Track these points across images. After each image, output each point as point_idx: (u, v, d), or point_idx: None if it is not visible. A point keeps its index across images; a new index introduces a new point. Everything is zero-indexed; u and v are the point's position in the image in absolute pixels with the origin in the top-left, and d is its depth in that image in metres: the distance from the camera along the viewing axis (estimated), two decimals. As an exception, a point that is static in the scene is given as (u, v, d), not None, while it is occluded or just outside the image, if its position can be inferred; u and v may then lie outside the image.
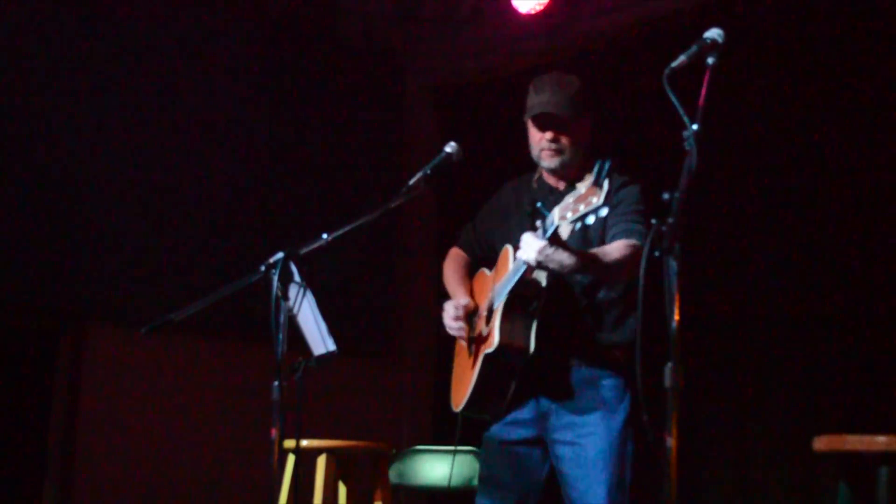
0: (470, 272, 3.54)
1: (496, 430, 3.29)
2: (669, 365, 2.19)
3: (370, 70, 6.54)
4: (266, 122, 6.04)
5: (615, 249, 3.05)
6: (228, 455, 5.58)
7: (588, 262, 2.97)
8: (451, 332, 3.34)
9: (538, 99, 3.24)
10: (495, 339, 3.06)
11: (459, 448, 4.34)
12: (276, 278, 3.02)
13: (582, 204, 2.64)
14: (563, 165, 3.25)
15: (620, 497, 3.07)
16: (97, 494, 5.28)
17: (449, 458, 4.37)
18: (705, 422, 5.03)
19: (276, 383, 2.96)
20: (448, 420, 3.48)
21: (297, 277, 3.07)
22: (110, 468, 5.33)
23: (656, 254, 2.27)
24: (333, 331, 3.27)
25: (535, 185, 3.39)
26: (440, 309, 3.39)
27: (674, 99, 2.30)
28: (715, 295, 5.03)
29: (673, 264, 2.24)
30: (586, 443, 3.11)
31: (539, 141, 3.26)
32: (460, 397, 3.32)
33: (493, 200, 3.54)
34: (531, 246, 2.87)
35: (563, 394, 3.15)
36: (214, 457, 5.60)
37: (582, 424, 3.12)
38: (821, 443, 2.97)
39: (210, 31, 5.84)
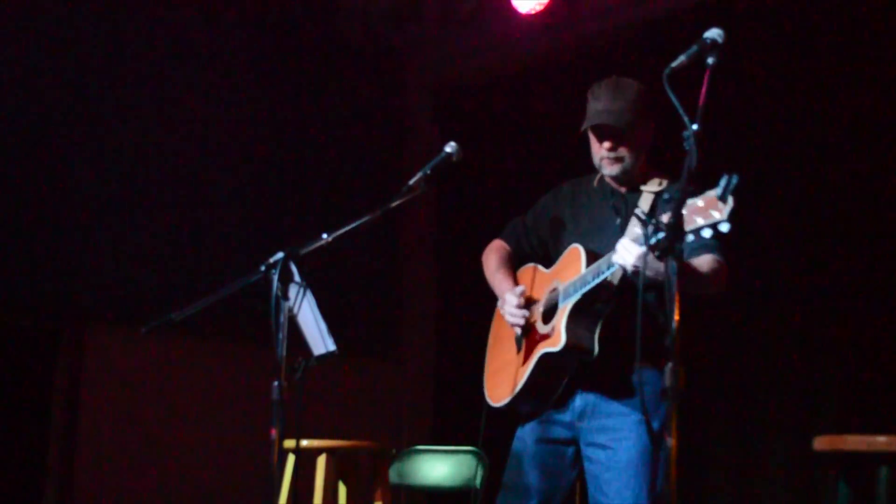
0: (513, 266, 3.50)
1: (531, 427, 3.27)
2: (669, 365, 2.20)
3: (370, 70, 6.54)
4: (266, 121, 6.04)
5: (706, 263, 3.04)
6: (228, 455, 5.58)
7: (683, 273, 2.94)
8: (512, 321, 3.29)
9: (595, 108, 3.21)
10: (562, 339, 3.04)
11: (461, 448, 4.33)
12: (276, 278, 3.02)
13: (700, 217, 2.44)
14: (623, 172, 3.24)
15: (652, 502, 3.04)
16: (97, 495, 5.28)
17: (450, 457, 4.37)
18: (705, 422, 5.03)
19: (276, 383, 2.96)
20: (448, 420, 3.48)
21: (297, 277, 3.07)
22: (110, 468, 5.33)
23: (656, 254, 2.27)
24: (333, 331, 3.27)
25: (595, 185, 3.37)
26: (441, 306, 3.38)
27: (674, 99, 2.30)
28: (715, 295, 5.02)
29: (673, 264, 2.24)
30: (619, 447, 3.09)
31: (598, 150, 3.24)
32: (504, 393, 3.29)
33: (548, 198, 3.50)
34: (630, 252, 2.83)
35: (603, 395, 3.14)
36: (214, 457, 5.60)
37: (617, 428, 3.11)
38: (821, 443, 2.97)
39: (210, 31, 5.84)
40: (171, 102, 5.63)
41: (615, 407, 3.12)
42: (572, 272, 3.13)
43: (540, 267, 3.41)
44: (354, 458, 4.45)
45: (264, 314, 3.01)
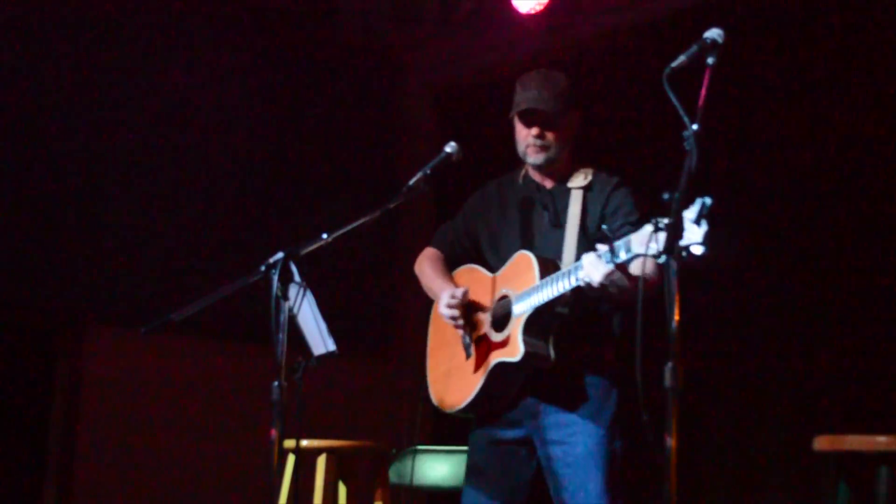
0: (449, 271, 3.51)
1: (482, 431, 3.30)
2: (669, 365, 2.19)
3: (370, 70, 6.54)
4: (266, 122, 6.04)
5: (651, 270, 3.02)
6: (228, 455, 5.58)
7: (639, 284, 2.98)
8: (447, 318, 3.29)
9: (524, 95, 3.24)
10: (520, 350, 3.05)
11: (462, 448, 4.33)
12: (276, 278, 3.02)
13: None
14: (548, 162, 3.26)
15: (613, 494, 3.07)
16: (97, 494, 5.28)
17: (450, 457, 4.37)
18: (705, 422, 5.03)
19: (276, 383, 2.95)
20: (448, 420, 3.48)
21: (297, 277, 3.07)
22: (110, 468, 5.33)
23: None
24: (333, 331, 3.27)
25: (520, 182, 3.39)
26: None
27: (674, 99, 2.30)
28: (715, 295, 5.03)
29: (673, 264, 2.24)
30: (575, 441, 3.11)
31: (525, 137, 3.26)
32: (456, 399, 3.31)
33: (475, 199, 3.52)
34: (597, 269, 2.83)
35: (551, 393, 3.16)
36: (214, 457, 5.60)
37: (569, 423, 3.13)
38: (821, 443, 2.98)
39: (210, 31, 5.84)
40: (171, 102, 5.63)
41: (565, 403, 3.14)
42: (524, 280, 3.12)
43: (481, 269, 3.39)
44: (354, 458, 4.45)
45: (264, 314, 3.01)
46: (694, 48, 2.41)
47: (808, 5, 4.97)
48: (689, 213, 2.39)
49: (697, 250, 2.40)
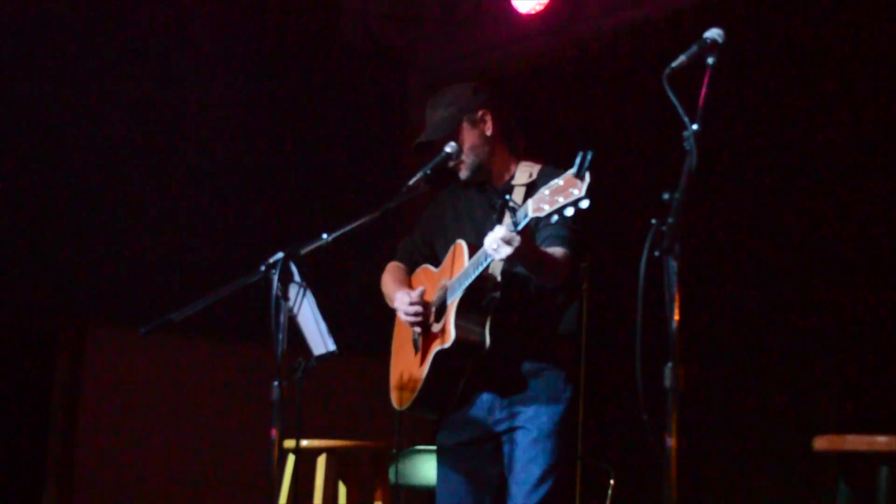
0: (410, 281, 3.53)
1: (445, 434, 3.32)
2: (669, 365, 2.19)
3: (371, 69, 6.54)
4: (266, 122, 6.04)
5: (562, 256, 3.06)
6: (228, 455, 5.58)
7: (543, 262, 3.00)
8: (408, 320, 3.30)
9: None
10: (451, 334, 3.05)
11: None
12: (276, 278, 3.02)
13: (561, 196, 2.59)
14: (473, 170, 3.28)
15: (554, 481, 3.08)
16: (97, 494, 5.28)
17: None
18: (705, 422, 5.03)
19: (276, 383, 2.96)
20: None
21: (297, 277, 3.08)
22: (110, 468, 5.33)
23: (656, 254, 2.27)
24: (333, 331, 3.28)
25: (470, 187, 3.39)
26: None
27: (674, 99, 2.30)
28: (715, 295, 5.03)
29: (673, 264, 2.24)
30: (530, 426, 3.12)
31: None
32: (406, 396, 3.33)
33: (430, 210, 3.56)
34: (499, 233, 2.83)
35: (508, 387, 3.17)
36: (214, 457, 5.60)
37: (524, 411, 3.14)
38: (821, 443, 2.97)
39: (210, 30, 5.84)
40: (171, 102, 5.63)
41: (521, 396, 3.15)
42: (458, 268, 3.14)
43: (430, 267, 3.42)
44: (354, 458, 4.45)
45: (264, 314, 3.01)
46: (694, 48, 2.41)
47: (809, 5, 4.97)
48: (572, 170, 2.52)
49: (584, 204, 2.53)
